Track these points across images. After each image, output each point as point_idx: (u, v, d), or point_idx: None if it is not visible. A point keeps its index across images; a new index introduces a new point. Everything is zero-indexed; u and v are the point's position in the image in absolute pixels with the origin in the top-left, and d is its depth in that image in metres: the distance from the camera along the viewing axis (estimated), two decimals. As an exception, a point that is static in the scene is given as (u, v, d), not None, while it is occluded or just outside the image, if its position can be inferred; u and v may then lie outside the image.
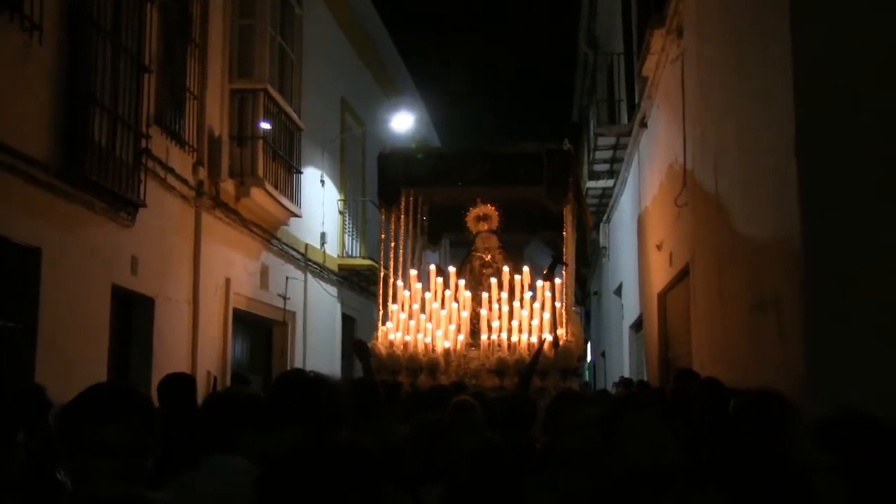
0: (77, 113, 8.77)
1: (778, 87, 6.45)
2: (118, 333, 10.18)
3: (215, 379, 12.20)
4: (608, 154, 17.98)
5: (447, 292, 11.78)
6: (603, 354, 28.58)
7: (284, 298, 15.37)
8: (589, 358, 37.99)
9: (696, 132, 9.99)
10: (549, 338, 10.56)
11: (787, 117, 6.19)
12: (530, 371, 9.15)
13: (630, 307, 18.35)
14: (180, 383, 6.88)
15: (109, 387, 3.02)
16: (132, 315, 10.67)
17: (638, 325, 17.12)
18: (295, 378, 3.56)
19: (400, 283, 12.03)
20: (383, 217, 12.57)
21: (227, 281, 13.13)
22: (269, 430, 3.21)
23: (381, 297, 12.09)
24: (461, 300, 11.66)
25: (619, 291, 20.58)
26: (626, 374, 18.16)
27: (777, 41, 6.48)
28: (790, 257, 6.23)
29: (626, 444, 3.65)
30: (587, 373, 37.35)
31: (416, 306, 11.70)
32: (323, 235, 17.54)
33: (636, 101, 15.40)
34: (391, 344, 11.26)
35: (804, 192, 6.00)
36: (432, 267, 12.38)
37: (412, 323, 11.50)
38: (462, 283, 11.89)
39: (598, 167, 18.99)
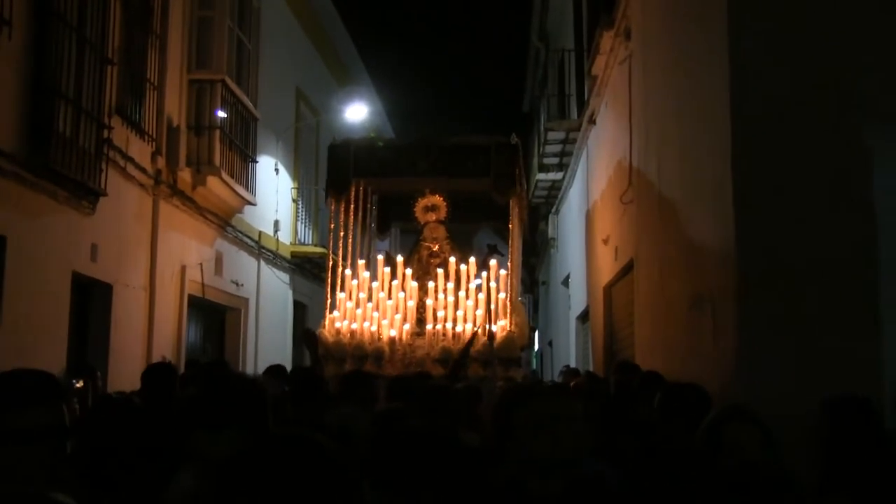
0: (43, 105, 9.02)
1: (716, 96, 6.85)
2: (77, 319, 10.42)
3: (170, 363, 12.45)
4: (557, 148, 18.34)
5: (394, 282, 11.95)
6: (550, 343, 28.96)
7: (238, 285, 15.64)
8: (536, 347, 38.49)
9: (641, 133, 10.37)
10: (480, 329, 10.77)
11: (724, 127, 6.59)
12: (460, 362, 9.30)
13: (577, 298, 18.73)
14: (161, 373, 7.10)
15: (20, 373, 2.89)
16: (91, 301, 10.93)
17: (584, 316, 17.49)
18: (227, 379, 3.65)
19: (348, 271, 12.13)
20: (332, 206, 12.75)
21: (183, 268, 13.39)
22: (210, 431, 3.23)
23: (329, 285, 12.21)
24: (408, 289, 11.85)
25: (566, 282, 20.93)
26: (573, 364, 18.61)
27: (715, 52, 6.87)
28: (724, 259, 6.63)
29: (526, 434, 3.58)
30: (534, 361, 37.88)
31: (363, 295, 11.85)
32: (276, 223, 17.79)
33: (585, 97, 15.77)
34: (338, 332, 11.38)
35: (738, 199, 6.40)
36: (380, 256, 12.57)
37: (359, 311, 11.63)
38: (409, 272, 12.10)
39: (547, 160, 19.37)
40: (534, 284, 38.46)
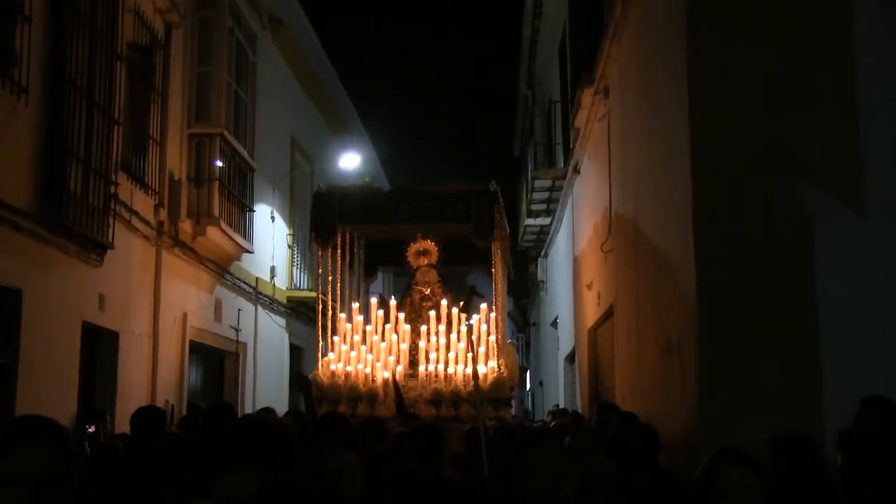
0: (56, 165, 9.63)
1: (679, 161, 7.49)
2: (86, 364, 10.98)
3: (172, 407, 12.99)
4: (545, 195, 18.99)
5: (387, 325, 12.11)
6: (541, 383, 29.48)
7: (236, 330, 16.19)
8: (528, 386, 38.95)
9: (619, 186, 10.99)
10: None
11: (686, 189, 7.22)
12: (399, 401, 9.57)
13: (565, 340, 19.29)
14: (150, 416, 7.39)
15: (21, 419, 2.93)
16: (98, 347, 11.48)
17: (572, 357, 18.00)
18: (251, 423, 3.75)
19: (342, 314, 12.29)
20: (320, 253, 12.96)
21: (185, 315, 13.94)
22: (230, 473, 3.24)
23: (319, 329, 12.40)
24: (400, 332, 12.03)
25: (555, 324, 21.48)
26: (561, 404, 19.19)
27: (678, 122, 7.52)
28: (688, 308, 7.23)
29: (532, 473, 4.12)
30: (528, 399, 38.37)
31: (356, 338, 11.98)
32: (273, 269, 18.35)
33: (571, 146, 16.40)
34: (332, 374, 11.53)
35: (699, 254, 7.03)
36: (374, 300, 12.71)
37: (353, 354, 11.74)
38: (402, 315, 12.32)
39: (535, 206, 20.00)
40: (526, 325, 38.98)
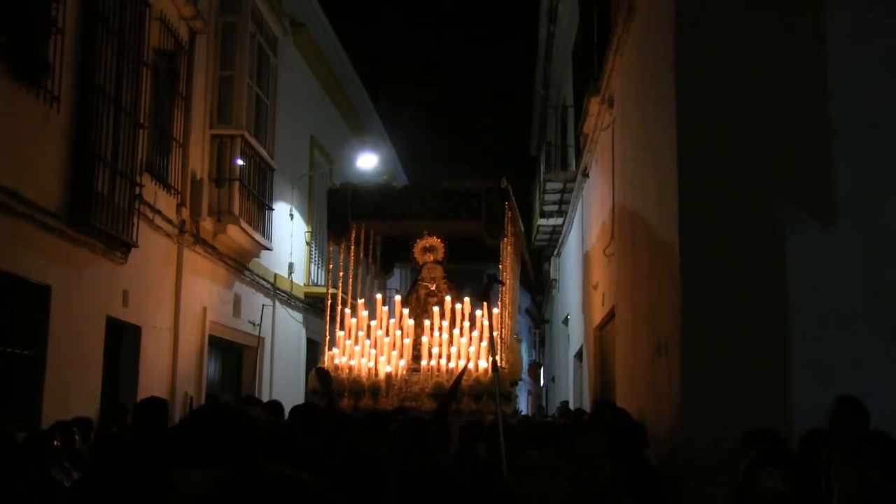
0: (83, 168, 10.19)
1: (668, 172, 7.98)
2: (110, 359, 11.52)
3: (191, 399, 13.53)
4: (556, 196, 19.45)
5: (391, 320, 12.42)
6: (553, 379, 29.91)
7: (254, 325, 16.70)
8: (542, 382, 39.41)
9: (620, 193, 11.46)
10: (469, 363, 11.26)
11: (673, 200, 7.72)
12: (450, 397, 9.41)
13: (574, 337, 19.70)
14: (153, 407, 7.22)
15: None
16: (122, 342, 12.02)
17: (580, 355, 18.43)
18: (215, 414, 3.33)
19: (348, 310, 12.53)
20: (331, 248, 13.39)
21: (204, 310, 14.48)
22: (196, 467, 2.99)
23: (327, 323, 12.67)
24: (404, 327, 12.24)
25: (566, 322, 21.90)
26: (571, 399, 19.69)
27: (668, 137, 8.01)
28: (675, 311, 7.72)
29: (526, 474, 4.04)
30: (543, 395, 38.85)
31: (361, 332, 12.22)
32: (291, 265, 18.86)
33: (581, 150, 16.83)
34: (336, 367, 11.77)
35: (684, 262, 7.54)
36: (378, 296, 13.10)
37: (357, 348, 12.02)
38: (406, 311, 12.49)
39: (547, 207, 20.47)
40: (542, 322, 39.39)
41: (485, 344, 11.67)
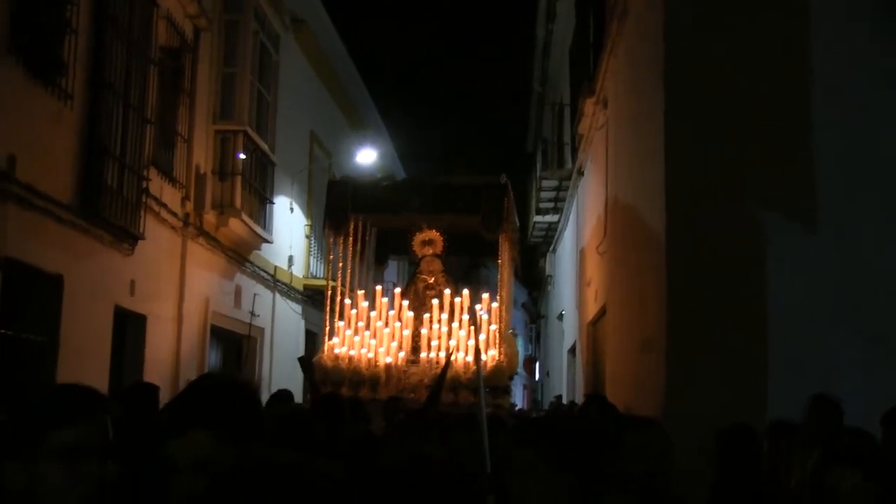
0: (94, 162, 10.52)
1: (655, 177, 8.36)
2: (117, 346, 11.86)
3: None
4: (552, 194, 19.78)
5: (391, 312, 12.61)
6: (548, 374, 30.23)
7: (254, 315, 17.02)
8: (537, 376, 39.74)
9: (613, 193, 11.81)
10: (456, 354, 11.39)
11: (660, 204, 8.10)
12: (438, 387, 9.25)
13: (568, 333, 20.06)
14: (143, 392, 7.18)
15: (65, 389, 2.88)
16: (128, 331, 12.35)
17: (574, 350, 18.79)
18: (205, 381, 3.11)
19: (348, 301, 12.72)
20: (330, 240, 13.55)
21: (207, 300, 14.82)
22: (176, 435, 2.76)
23: (327, 314, 12.84)
24: (404, 319, 12.47)
25: (560, 317, 22.24)
26: (564, 394, 20.05)
27: (656, 145, 8.39)
28: (661, 310, 8.10)
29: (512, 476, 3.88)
30: (539, 389, 39.20)
31: (361, 324, 12.43)
32: (290, 258, 19.18)
33: (576, 149, 17.17)
34: (336, 357, 12.04)
35: (671, 265, 7.93)
36: (378, 287, 13.26)
37: (357, 339, 12.18)
38: (406, 303, 12.69)
39: (543, 205, 20.78)
40: (538, 317, 39.71)
41: (483, 337, 11.75)
